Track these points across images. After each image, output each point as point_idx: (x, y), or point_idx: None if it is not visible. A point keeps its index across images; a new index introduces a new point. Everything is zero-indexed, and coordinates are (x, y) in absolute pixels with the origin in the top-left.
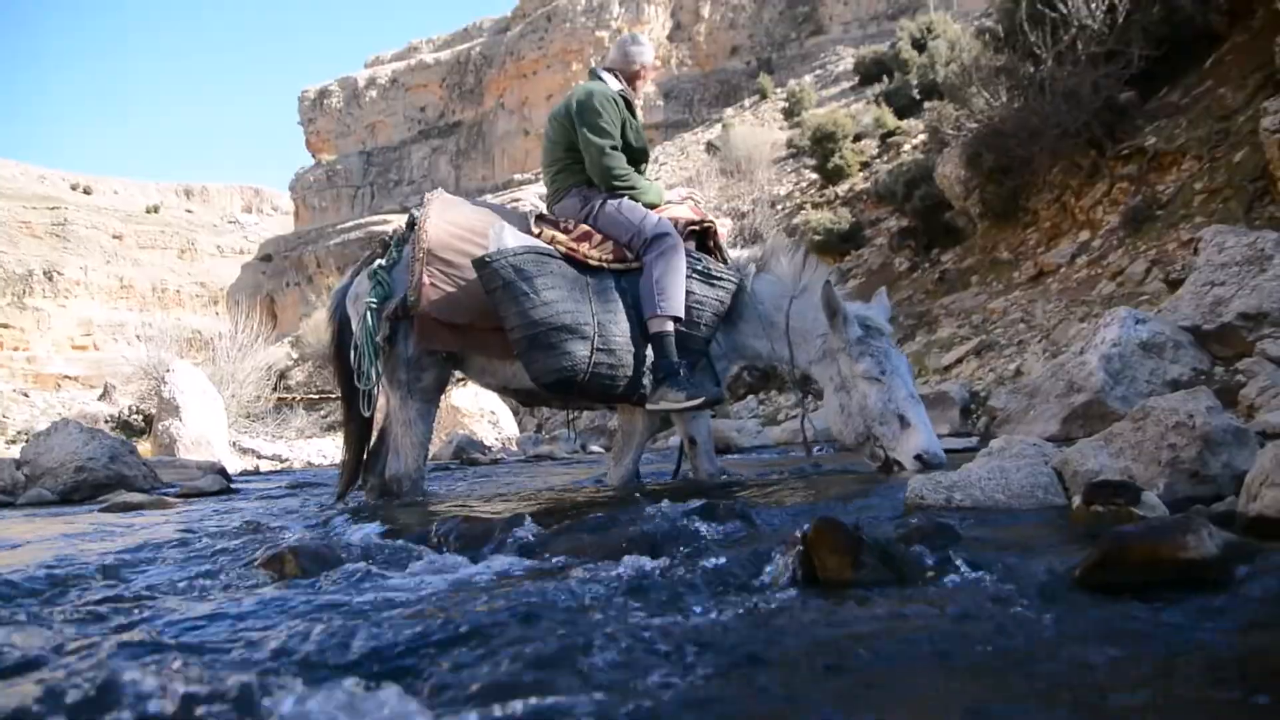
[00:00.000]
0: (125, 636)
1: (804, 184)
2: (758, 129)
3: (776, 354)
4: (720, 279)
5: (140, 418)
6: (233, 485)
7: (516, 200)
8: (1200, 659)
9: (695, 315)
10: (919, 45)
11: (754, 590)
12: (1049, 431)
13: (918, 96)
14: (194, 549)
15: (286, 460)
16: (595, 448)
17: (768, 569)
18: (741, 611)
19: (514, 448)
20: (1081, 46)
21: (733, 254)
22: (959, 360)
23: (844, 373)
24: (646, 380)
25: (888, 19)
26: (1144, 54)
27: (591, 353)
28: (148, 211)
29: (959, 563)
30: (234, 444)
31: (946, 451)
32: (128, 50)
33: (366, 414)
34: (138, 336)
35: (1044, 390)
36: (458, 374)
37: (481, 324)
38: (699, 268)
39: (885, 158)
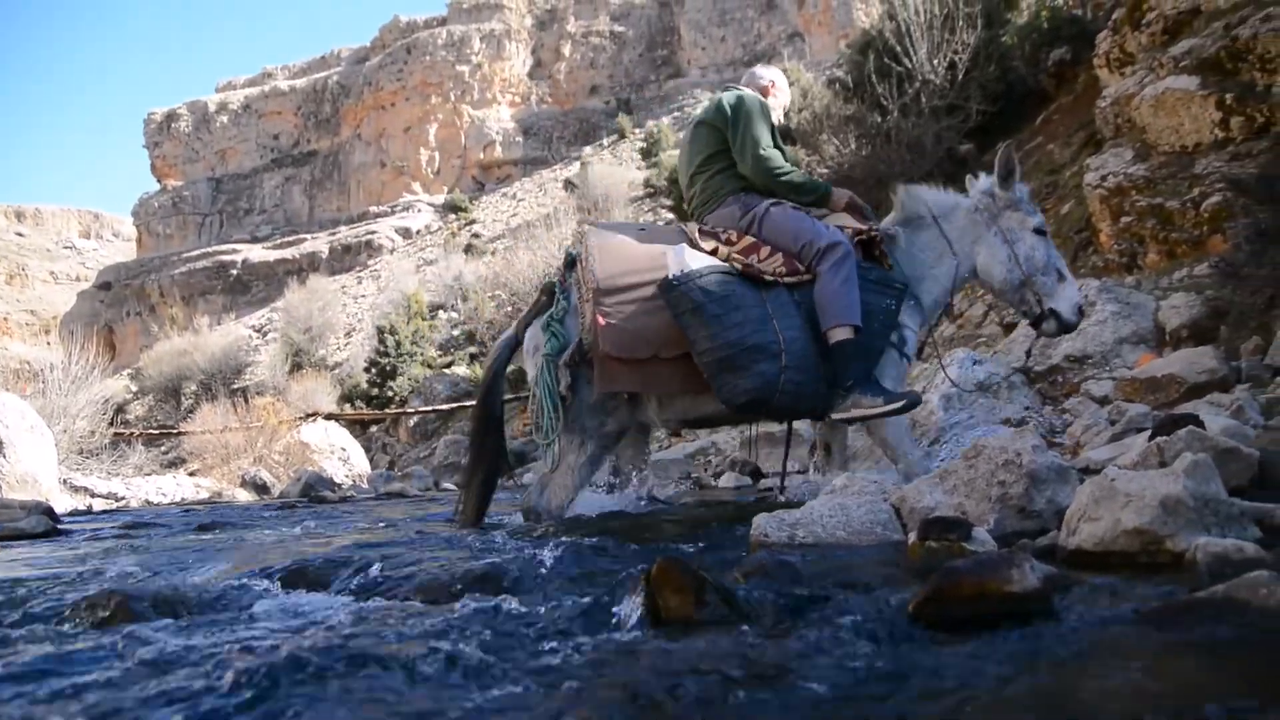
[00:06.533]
0: None
1: (660, 223)
2: (616, 168)
3: (956, 284)
4: (890, 286)
5: None
6: (60, 526)
7: (372, 232)
8: (1020, 686)
9: (870, 324)
10: None
11: (596, 629)
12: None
13: None
14: (2, 597)
15: (123, 499)
16: (448, 485)
17: (614, 609)
18: (579, 651)
19: (365, 485)
20: (925, 100)
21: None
22: None
23: (1010, 225)
24: (830, 394)
25: (744, 65)
26: (981, 109)
27: (781, 371)
28: None
29: (798, 600)
30: (65, 482)
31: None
32: None
33: (549, 468)
34: None
35: None
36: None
37: (665, 354)
38: (871, 276)
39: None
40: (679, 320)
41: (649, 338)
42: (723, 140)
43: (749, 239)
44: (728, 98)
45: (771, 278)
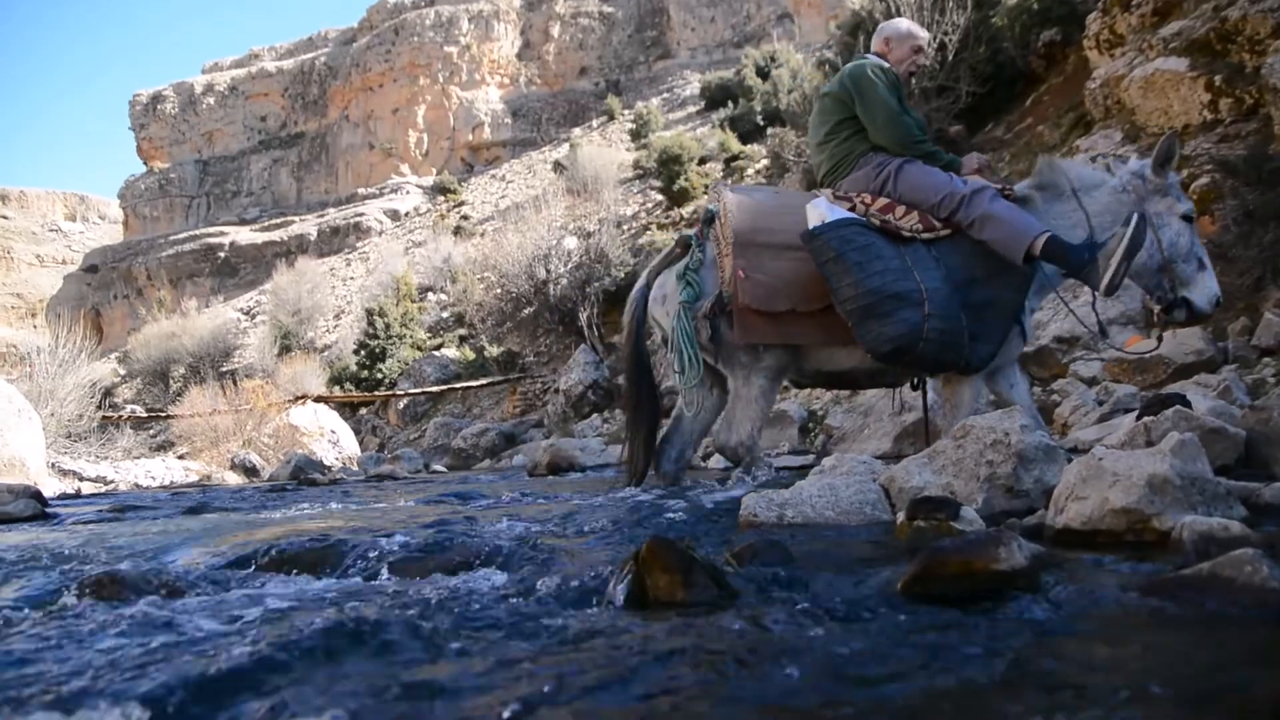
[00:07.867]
0: None
1: (650, 205)
2: (605, 149)
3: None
4: None
5: None
6: (49, 510)
7: (360, 215)
8: (1007, 663)
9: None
10: (763, 73)
11: (583, 609)
12: (882, 449)
13: (761, 122)
14: None
15: (112, 482)
16: (438, 467)
17: (602, 589)
18: (564, 631)
19: (355, 467)
20: (915, 81)
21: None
22: None
23: (1158, 209)
24: (972, 348)
25: (733, 46)
26: (971, 91)
27: (925, 319)
28: None
29: (787, 580)
30: (53, 465)
31: (784, 469)
32: None
33: (690, 413)
34: None
35: (878, 409)
36: None
37: (802, 308)
38: None
39: (729, 181)
40: (822, 269)
41: (787, 292)
42: (848, 109)
43: (884, 200)
44: (849, 68)
45: (909, 234)
